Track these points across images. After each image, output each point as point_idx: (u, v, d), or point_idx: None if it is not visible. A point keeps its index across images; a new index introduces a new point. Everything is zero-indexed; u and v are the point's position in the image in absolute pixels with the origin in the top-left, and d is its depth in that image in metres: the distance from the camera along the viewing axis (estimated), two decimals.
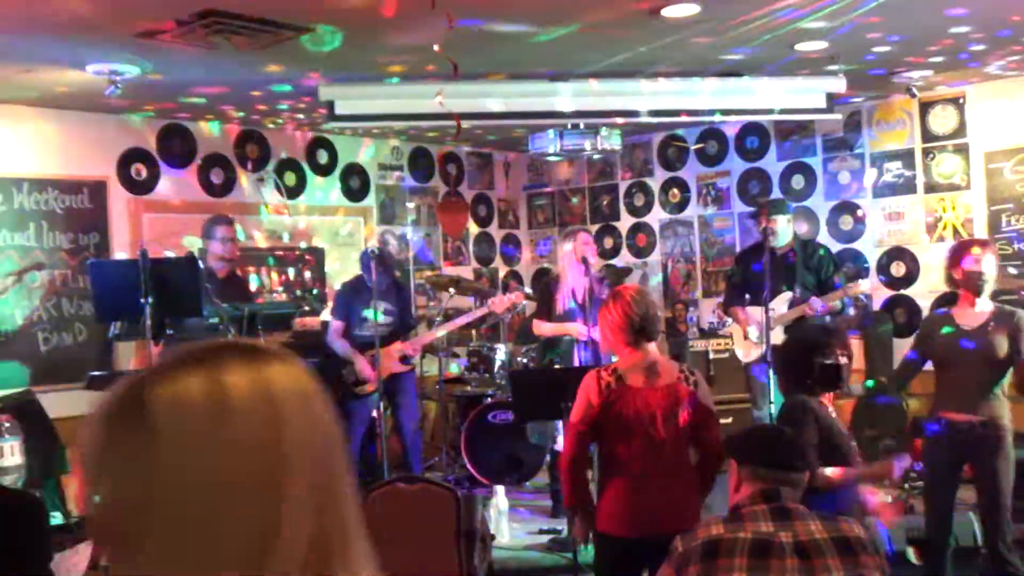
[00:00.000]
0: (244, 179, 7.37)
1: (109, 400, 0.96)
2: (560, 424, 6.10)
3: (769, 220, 5.94)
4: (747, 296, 6.26)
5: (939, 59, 6.01)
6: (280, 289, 7.52)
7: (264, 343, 1.03)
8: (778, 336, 5.86)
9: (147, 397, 0.93)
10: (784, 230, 6.04)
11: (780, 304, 5.96)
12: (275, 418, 0.94)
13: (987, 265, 4.36)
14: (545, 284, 6.34)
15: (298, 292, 7.60)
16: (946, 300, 4.79)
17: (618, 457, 3.53)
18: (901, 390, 4.55)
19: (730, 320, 6.61)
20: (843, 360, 3.66)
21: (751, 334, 6.14)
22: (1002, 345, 4.32)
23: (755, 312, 6.12)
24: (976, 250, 4.42)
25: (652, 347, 3.61)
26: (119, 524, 0.93)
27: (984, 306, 4.40)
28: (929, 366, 4.60)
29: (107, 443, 0.94)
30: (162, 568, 0.90)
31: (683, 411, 3.53)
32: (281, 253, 7.58)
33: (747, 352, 6.21)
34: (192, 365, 0.95)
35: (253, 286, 7.23)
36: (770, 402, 5.62)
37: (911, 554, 5.01)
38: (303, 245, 7.71)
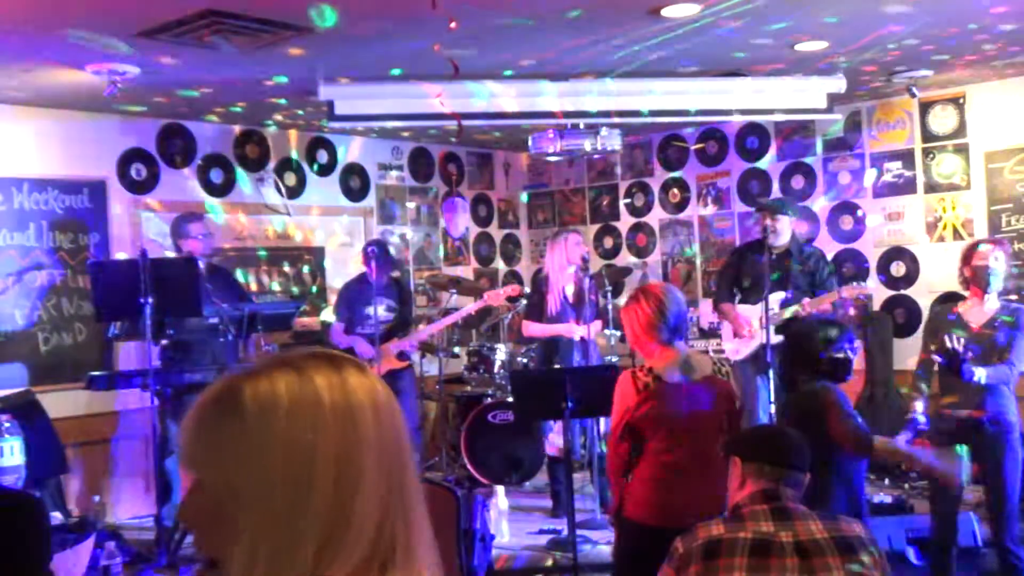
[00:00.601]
0: (244, 179, 7.38)
1: (208, 395, 1.07)
2: (551, 427, 6.11)
3: (773, 219, 5.96)
4: (737, 294, 6.26)
5: (940, 58, 6.02)
6: (280, 289, 7.52)
7: (343, 354, 1.12)
8: (772, 336, 5.87)
9: (241, 394, 1.03)
10: (785, 230, 6.07)
11: (772, 304, 5.97)
12: (352, 419, 1.04)
13: (995, 261, 4.40)
14: (537, 284, 6.34)
15: (297, 291, 7.60)
16: (948, 300, 4.80)
17: (655, 452, 3.49)
18: (922, 383, 4.57)
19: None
20: (851, 354, 3.69)
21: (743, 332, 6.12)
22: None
23: (744, 310, 6.11)
24: (985, 247, 4.48)
25: (682, 344, 3.58)
26: (213, 509, 1.02)
27: (991, 304, 4.42)
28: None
29: (203, 434, 1.05)
30: (251, 553, 0.99)
31: (721, 403, 3.54)
32: (281, 253, 7.58)
33: (736, 350, 6.19)
34: (282, 367, 1.06)
35: (253, 287, 7.23)
36: (770, 401, 5.63)
37: (911, 554, 5.01)
38: (303, 245, 7.71)
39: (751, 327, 6.03)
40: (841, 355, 3.66)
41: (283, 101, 6.50)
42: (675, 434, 3.47)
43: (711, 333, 7.66)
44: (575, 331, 6.02)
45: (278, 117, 7.09)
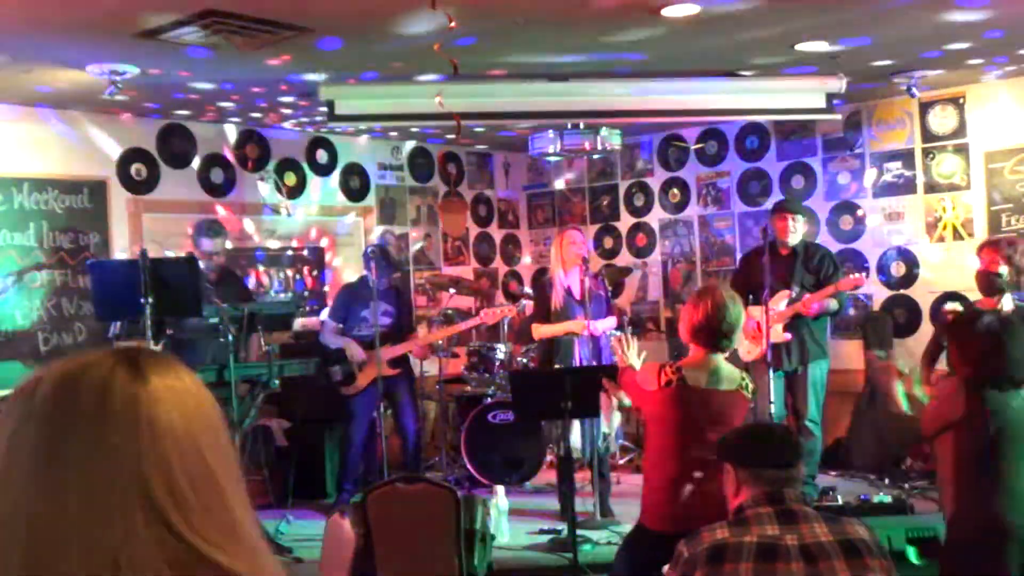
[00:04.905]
0: (244, 179, 7.37)
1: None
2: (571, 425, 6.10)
3: (794, 219, 6.08)
4: (749, 296, 6.29)
5: (939, 59, 6.02)
6: (279, 289, 7.52)
7: (152, 351, 1.03)
8: (777, 334, 5.92)
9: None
10: (801, 230, 6.20)
11: (779, 302, 6.02)
12: (142, 425, 0.93)
13: (1001, 265, 4.35)
14: (540, 286, 6.34)
15: (296, 291, 7.60)
16: (948, 300, 4.78)
17: (667, 454, 3.54)
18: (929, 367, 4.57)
19: None
20: None
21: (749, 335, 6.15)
22: None
23: (754, 311, 6.14)
24: (984, 254, 4.42)
25: (720, 355, 3.62)
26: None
27: (1006, 305, 4.37)
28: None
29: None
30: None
31: (737, 417, 3.57)
32: (281, 253, 7.58)
33: (748, 351, 6.22)
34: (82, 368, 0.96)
35: (253, 287, 7.22)
36: (770, 401, 5.65)
37: (912, 554, 5.01)
38: (303, 245, 7.70)
39: (760, 328, 6.04)
40: None
41: (283, 101, 6.50)
42: (686, 436, 3.49)
43: None
44: (583, 327, 5.99)
45: (278, 117, 7.09)
